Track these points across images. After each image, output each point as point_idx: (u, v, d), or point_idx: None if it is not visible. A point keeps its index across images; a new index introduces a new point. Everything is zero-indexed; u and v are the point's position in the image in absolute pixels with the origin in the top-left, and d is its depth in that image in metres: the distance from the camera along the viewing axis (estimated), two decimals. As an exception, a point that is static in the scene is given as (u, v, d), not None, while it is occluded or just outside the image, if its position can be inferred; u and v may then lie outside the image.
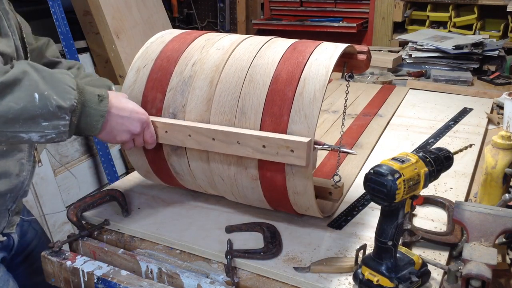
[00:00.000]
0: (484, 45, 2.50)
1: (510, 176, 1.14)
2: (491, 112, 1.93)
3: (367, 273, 0.92)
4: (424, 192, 1.09)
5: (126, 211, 1.21)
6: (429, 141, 1.62)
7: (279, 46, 1.11)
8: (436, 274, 0.98)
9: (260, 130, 1.02)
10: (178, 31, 1.27)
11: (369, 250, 0.98)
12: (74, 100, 0.95)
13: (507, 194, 1.06)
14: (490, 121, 1.84)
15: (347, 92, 1.21)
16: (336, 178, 1.24)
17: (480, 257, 0.90)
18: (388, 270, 0.90)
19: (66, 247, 1.15)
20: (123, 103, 1.06)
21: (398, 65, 2.60)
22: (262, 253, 1.03)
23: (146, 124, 1.09)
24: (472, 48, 2.44)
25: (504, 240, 1.04)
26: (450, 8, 3.23)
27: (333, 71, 1.02)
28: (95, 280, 1.05)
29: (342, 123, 1.23)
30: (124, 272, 1.06)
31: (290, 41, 1.13)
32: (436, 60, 2.51)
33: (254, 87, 1.04)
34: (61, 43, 2.67)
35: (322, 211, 1.15)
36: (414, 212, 1.19)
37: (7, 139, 0.91)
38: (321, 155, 1.49)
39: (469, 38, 2.59)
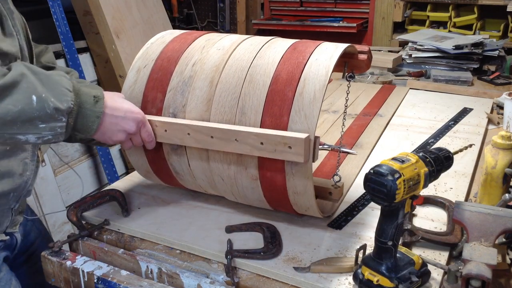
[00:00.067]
0: (484, 45, 2.50)
1: (510, 176, 1.14)
2: (491, 112, 1.93)
3: (367, 273, 0.92)
4: (424, 192, 1.09)
5: (126, 211, 1.22)
6: (429, 141, 1.62)
7: (279, 46, 1.11)
8: (436, 274, 0.98)
9: (260, 130, 1.02)
10: (178, 32, 1.27)
11: (369, 250, 0.98)
12: (71, 102, 0.95)
13: (507, 194, 1.06)
14: (490, 121, 1.84)
15: (348, 92, 1.21)
16: (336, 178, 1.24)
17: (480, 257, 0.90)
18: (388, 270, 0.90)
19: (66, 247, 1.15)
20: (118, 103, 1.06)
21: (398, 65, 2.60)
22: (262, 253, 1.03)
23: (142, 123, 1.08)
24: (472, 48, 2.44)
25: (504, 240, 1.04)
26: (450, 8, 3.23)
27: (333, 71, 1.02)
28: (95, 280, 1.05)
29: (343, 123, 1.23)
30: (124, 272, 1.06)
31: (290, 41, 1.13)
32: (436, 60, 2.51)
33: (254, 87, 1.04)
34: (61, 43, 2.67)
35: (322, 211, 1.15)
36: (414, 212, 1.19)
37: (5, 140, 0.92)
38: (321, 155, 1.49)
39: (469, 38, 2.59)
